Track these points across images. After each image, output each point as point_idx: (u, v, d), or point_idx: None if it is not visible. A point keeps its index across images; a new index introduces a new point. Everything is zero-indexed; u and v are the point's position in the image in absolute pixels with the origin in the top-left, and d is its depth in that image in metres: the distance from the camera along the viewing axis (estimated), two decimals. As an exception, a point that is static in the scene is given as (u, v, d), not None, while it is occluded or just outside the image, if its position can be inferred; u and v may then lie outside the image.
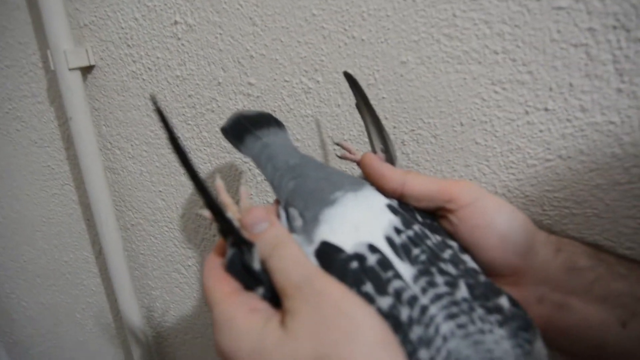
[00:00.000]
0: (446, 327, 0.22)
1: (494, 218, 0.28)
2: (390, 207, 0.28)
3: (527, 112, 0.34)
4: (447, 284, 0.24)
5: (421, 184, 0.30)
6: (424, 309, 0.22)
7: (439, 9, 0.34)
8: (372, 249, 0.25)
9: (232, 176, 0.48)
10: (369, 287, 0.23)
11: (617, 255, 0.31)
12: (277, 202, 0.31)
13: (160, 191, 0.52)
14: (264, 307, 0.24)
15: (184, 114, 0.46)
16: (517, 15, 0.32)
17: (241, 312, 0.24)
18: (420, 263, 0.25)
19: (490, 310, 0.23)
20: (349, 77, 0.33)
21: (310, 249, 0.26)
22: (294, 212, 0.29)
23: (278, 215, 0.30)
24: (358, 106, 0.35)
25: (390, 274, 0.24)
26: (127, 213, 0.55)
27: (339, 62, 0.39)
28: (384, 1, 0.35)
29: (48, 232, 0.60)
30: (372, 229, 0.26)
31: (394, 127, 0.39)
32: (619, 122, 0.32)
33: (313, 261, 0.25)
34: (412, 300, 0.23)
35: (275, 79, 0.42)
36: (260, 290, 0.25)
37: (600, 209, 0.34)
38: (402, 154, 0.39)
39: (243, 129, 0.36)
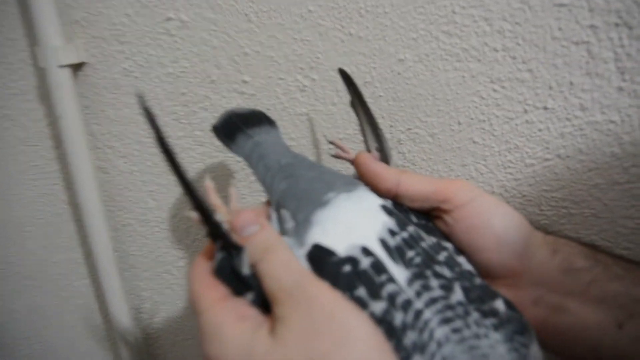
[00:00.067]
0: (441, 332, 0.21)
1: (490, 218, 0.27)
2: (384, 208, 0.27)
3: (526, 111, 0.33)
4: (442, 287, 0.23)
5: (416, 184, 0.28)
6: (418, 314, 0.21)
7: (438, 6, 0.32)
8: (366, 251, 0.24)
9: (225, 176, 0.46)
10: (362, 292, 0.22)
11: (614, 255, 0.31)
12: (269, 203, 0.30)
13: (151, 191, 0.50)
14: (254, 313, 0.23)
15: (176, 112, 0.45)
16: (518, 12, 0.31)
17: (229, 319, 0.22)
18: (415, 266, 0.23)
19: (485, 314, 0.22)
20: (344, 74, 0.32)
21: (302, 252, 0.24)
22: (285, 213, 0.27)
23: (269, 217, 0.28)
24: (352, 104, 0.33)
25: (383, 277, 0.22)
26: (118, 213, 0.53)
27: (335, 59, 0.37)
28: (382, -3, 0.34)
29: (36, 232, 0.57)
30: (365, 231, 0.25)
31: (391, 126, 0.37)
32: (619, 121, 0.30)
33: (304, 264, 0.24)
34: (406, 305, 0.22)
35: (270, 77, 0.40)
36: (250, 295, 0.23)
37: (598, 209, 0.33)
38: (399, 153, 0.38)
39: (234, 127, 0.34)
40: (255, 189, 0.45)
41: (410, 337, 0.20)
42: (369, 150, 0.33)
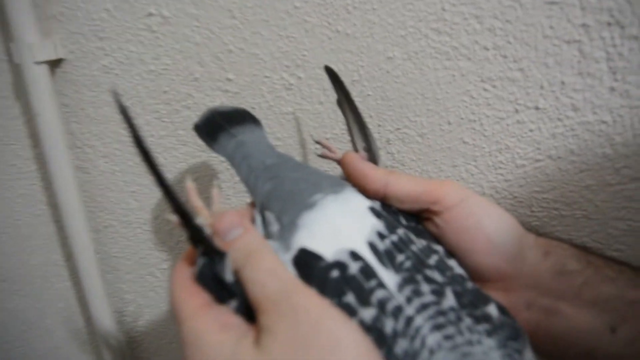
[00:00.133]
0: (433, 339, 0.20)
1: (481, 220, 0.27)
2: (373, 210, 0.26)
3: (517, 111, 0.32)
4: (434, 292, 0.22)
5: (405, 185, 0.27)
6: (409, 320, 0.21)
7: (427, 3, 0.32)
8: (354, 256, 0.23)
9: (209, 176, 0.45)
10: (350, 298, 0.21)
11: (605, 257, 0.30)
12: (253, 204, 0.29)
13: (133, 191, 0.49)
14: (237, 322, 0.22)
15: (158, 111, 0.43)
16: (509, 10, 0.30)
17: (212, 329, 0.21)
18: (405, 270, 0.23)
19: (478, 320, 0.21)
20: (330, 72, 0.31)
21: (288, 257, 0.23)
22: (270, 216, 0.26)
23: (253, 220, 0.27)
24: (339, 102, 0.32)
25: (373, 283, 0.22)
26: (99, 214, 0.51)
27: (322, 57, 0.36)
28: (370, -7, 0.33)
29: (15, 234, 0.56)
30: (354, 234, 0.24)
31: (379, 126, 0.37)
32: (611, 121, 0.30)
33: (290, 270, 0.23)
34: (397, 311, 0.21)
35: (254, 75, 0.39)
36: (233, 303, 0.22)
37: (589, 211, 0.33)
38: (387, 153, 0.37)
39: (217, 126, 0.33)
40: (240, 190, 0.44)
41: (401, 345, 0.20)
42: (356, 150, 0.32)
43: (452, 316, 0.21)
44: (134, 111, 0.44)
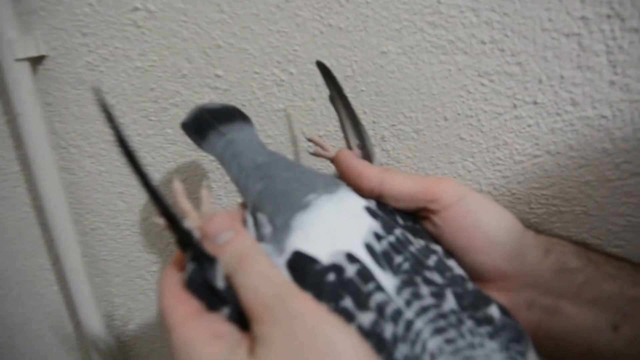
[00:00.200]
0: (433, 343, 0.20)
1: (480, 218, 0.26)
2: (368, 209, 0.25)
3: (515, 106, 0.32)
4: (433, 294, 0.21)
5: (401, 183, 0.27)
6: (409, 324, 0.20)
7: (422, -5, 0.31)
8: (351, 258, 0.22)
9: (199, 176, 0.44)
10: (348, 302, 0.21)
11: (606, 254, 0.30)
12: (244, 205, 0.28)
13: (121, 192, 0.48)
14: (230, 330, 0.21)
15: (145, 109, 0.42)
16: (506, 2, 0.29)
17: (203, 338, 0.20)
18: (404, 272, 0.22)
19: (479, 322, 0.21)
20: (322, 67, 0.31)
21: (281, 260, 0.23)
22: (262, 217, 0.26)
23: (244, 221, 0.26)
24: (332, 98, 0.32)
25: (371, 286, 0.21)
26: (86, 216, 0.50)
27: (314, 52, 0.35)
28: (363, -15, 0.32)
29: (-1, 237, 0.54)
30: (350, 235, 0.23)
31: (374, 122, 0.36)
32: (611, 116, 0.30)
33: (284, 273, 0.22)
34: (396, 315, 0.20)
35: (244, 71, 0.38)
36: (225, 310, 0.22)
37: (589, 207, 0.32)
38: (382, 150, 0.36)
39: (205, 124, 0.32)
40: (231, 190, 0.43)
41: (401, 350, 0.19)
42: (350, 148, 0.32)
43: (453, 319, 0.21)
44: (120, 109, 0.43)
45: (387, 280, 0.22)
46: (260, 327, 0.20)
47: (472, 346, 0.20)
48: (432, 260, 0.24)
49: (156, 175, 0.44)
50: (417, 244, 0.24)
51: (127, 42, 0.40)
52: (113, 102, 0.43)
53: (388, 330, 0.20)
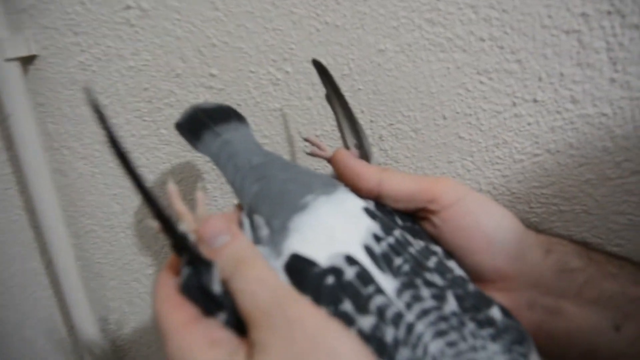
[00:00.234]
0: (435, 346, 0.19)
1: (480, 218, 0.26)
2: (367, 210, 0.25)
3: (514, 104, 0.31)
4: (434, 297, 0.21)
5: (399, 183, 0.27)
6: (410, 328, 0.20)
7: (420, -9, 0.30)
8: (350, 260, 0.22)
9: (194, 177, 0.43)
10: (347, 306, 0.20)
11: (607, 253, 0.30)
12: (240, 206, 0.27)
13: (115, 194, 0.47)
14: (227, 336, 0.21)
15: (139, 109, 0.42)
16: (505, -2, 0.29)
17: (200, 345, 0.20)
18: (404, 274, 0.22)
19: (481, 324, 0.21)
20: (318, 66, 0.30)
21: (279, 263, 0.22)
22: (259, 219, 0.25)
23: (241, 224, 0.26)
24: (328, 97, 0.31)
25: (371, 289, 0.21)
26: (79, 219, 0.50)
27: (311, 50, 0.35)
28: (360, -18, 0.32)
29: (-10, 241, 0.54)
30: (349, 237, 0.23)
31: (371, 121, 0.36)
32: (611, 113, 0.29)
33: (282, 277, 0.22)
34: (397, 318, 0.20)
35: (240, 70, 0.38)
36: (222, 316, 0.21)
37: (589, 205, 0.32)
38: (380, 150, 0.36)
39: (200, 124, 0.32)
40: (227, 191, 0.43)
41: (403, 354, 0.19)
42: (347, 148, 0.31)
43: (454, 321, 0.20)
44: (113, 110, 0.42)
45: (387, 282, 0.21)
46: (258, 333, 0.19)
47: (474, 349, 0.20)
48: (432, 262, 0.23)
49: (150, 177, 0.44)
50: (417, 245, 0.24)
51: (120, 41, 0.40)
52: (106, 103, 0.42)
53: (389, 334, 0.19)
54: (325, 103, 0.35)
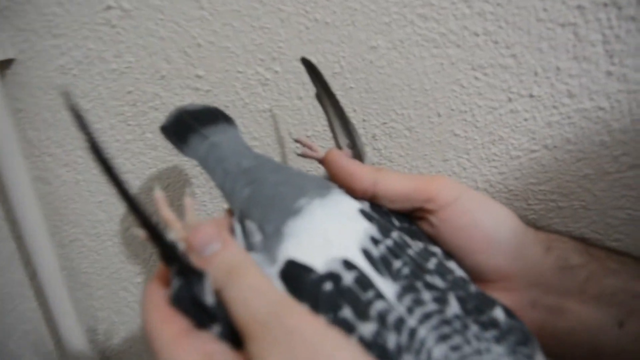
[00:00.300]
0: (439, 351, 0.19)
1: (479, 217, 0.26)
2: (363, 212, 0.25)
3: (510, 100, 0.31)
4: (436, 300, 0.21)
5: (395, 183, 0.26)
6: (412, 333, 0.19)
7: (411, -14, 0.30)
8: (348, 265, 0.21)
9: (182, 182, 0.42)
10: (347, 313, 0.20)
11: (606, 249, 0.30)
12: (230, 212, 0.27)
13: (100, 202, 0.46)
14: (222, 350, 0.20)
15: (123, 113, 0.41)
16: (499, -9, 0.28)
17: (193, 359, 0.19)
18: (404, 278, 0.21)
19: (485, 326, 0.21)
20: (307, 64, 0.30)
21: (274, 270, 0.22)
22: (251, 225, 0.24)
23: (232, 230, 0.25)
24: (318, 97, 0.31)
25: (370, 294, 0.20)
26: (64, 228, 0.48)
27: (300, 48, 0.34)
28: (350, -23, 0.31)
29: (-29, 253, 0.52)
30: (345, 241, 0.22)
31: (364, 120, 0.35)
32: (608, 107, 0.29)
33: (277, 284, 0.21)
34: (399, 324, 0.19)
35: (227, 70, 0.37)
36: (216, 328, 0.20)
37: (588, 201, 0.32)
38: (374, 149, 0.36)
39: (186, 126, 0.31)
40: (216, 195, 0.42)
41: None
42: (339, 148, 0.31)
43: (457, 324, 0.20)
44: (96, 114, 0.41)
45: (386, 286, 0.21)
46: (255, 345, 0.19)
47: (478, 352, 0.19)
48: (432, 263, 0.23)
49: (136, 183, 0.43)
50: (416, 246, 0.24)
51: (101, 42, 0.39)
52: (88, 107, 0.41)
53: (391, 340, 0.19)
54: (316, 103, 0.34)
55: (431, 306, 0.20)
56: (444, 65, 0.31)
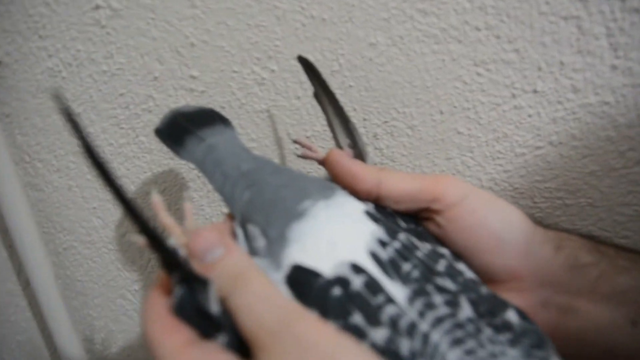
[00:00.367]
0: (453, 356, 0.19)
1: (487, 216, 0.26)
2: (369, 214, 0.25)
3: (514, 96, 0.31)
4: (447, 303, 0.21)
5: (399, 183, 0.26)
6: (425, 338, 0.19)
7: (410, -19, 0.30)
8: (356, 269, 0.21)
9: (178, 186, 0.42)
10: (358, 318, 0.20)
11: (616, 246, 0.30)
12: (231, 216, 0.27)
13: (94, 208, 0.46)
14: None
15: (115, 116, 0.40)
16: (501, -15, 0.28)
17: None
18: (414, 281, 0.21)
19: (498, 329, 0.20)
20: (304, 62, 0.29)
21: (279, 276, 0.22)
22: (253, 229, 0.24)
23: (234, 235, 0.25)
24: (317, 96, 0.31)
25: (381, 298, 0.20)
26: (57, 235, 0.48)
27: (297, 46, 0.34)
28: (347, -27, 0.31)
29: (-39, 263, 0.52)
30: (352, 243, 0.22)
31: (364, 119, 0.35)
32: (614, 102, 0.29)
33: (283, 291, 0.21)
34: (411, 329, 0.19)
35: (222, 70, 0.37)
36: (222, 338, 0.20)
37: (594, 198, 0.32)
38: (375, 149, 0.36)
39: (181, 129, 0.31)
40: (214, 199, 0.42)
41: None
42: (340, 148, 0.31)
43: (470, 328, 0.20)
44: (88, 118, 0.41)
45: (396, 290, 0.21)
46: (265, 355, 0.18)
47: (493, 356, 0.19)
48: (441, 265, 0.23)
49: (131, 188, 0.43)
50: (424, 248, 0.24)
51: (91, 44, 0.38)
52: (79, 111, 0.41)
53: (404, 346, 0.19)
54: (315, 102, 0.34)
55: (443, 310, 0.20)
56: (446, 61, 0.31)
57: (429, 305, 0.20)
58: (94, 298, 0.51)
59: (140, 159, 0.42)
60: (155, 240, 0.21)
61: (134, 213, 0.20)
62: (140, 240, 0.22)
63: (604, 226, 0.33)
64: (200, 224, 0.24)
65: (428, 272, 0.22)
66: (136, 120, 0.40)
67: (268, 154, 0.39)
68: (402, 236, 0.23)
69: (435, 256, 0.24)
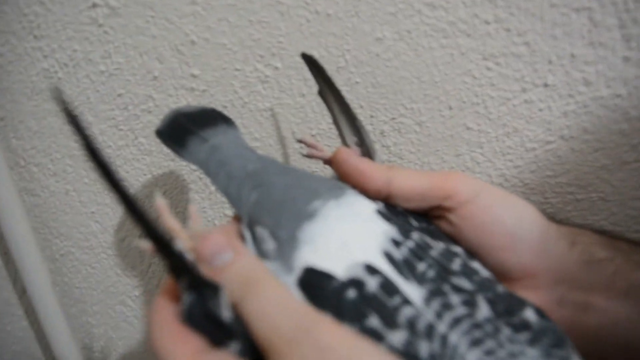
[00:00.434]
0: (472, 356, 0.19)
1: (501, 213, 0.26)
2: (380, 213, 0.25)
3: (524, 90, 0.31)
4: (465, 303, 0.21)
5: (409, 180, 0.26)
6: (444, 339, 0.19)
7: (418, -26, 0.30)
8: (371, 270, 0.21)
9: (180, 188, 0.42)
10: (374, 321, 0.20)
11: (630, 241, 0.30)
12: (237, 218, 0.26)
13: (92, 212, 0.45)
14: None
15: (114, 118, 0.40)
16: (510, -24, 0.29)
17: None
18: (430, 281, 0.21)
19: (517, 328, 0.20)
20: (308, 59, 0.29)
21: (291, 279, 0.21)
22: (262, 231, 0.24)
23: (241, 237, 0.25)
24: (321, 93, 0.31)
25: (397, 300, 0.20)
26: (54, 241, 0.48)
27: (301, 43, 0.34)
28: (353, -33, 0.31)
29: (-46, 272, 0.51)
30: (365, 244, 0.22)
31: (371, 116, 0.35)
32: (626, 94, 0.29)
33: (296, 294, 0.21)
34: (429, 330, 0.19)
35: (224, 68, 0.36)
36: (235, 345, 0.20)
37: (606, 192, 0.32)
38: (383, 146, 0.36)
39: (183, 129, 0.31)
40: (217, 201, 0.42)
41: None
42: (347, 146, 0.31)
43: (489, 328, 0.20)
44: (85, 120, 0.40)
45: (412, 291, 0.21)
46: None
47: (513, 355, 0.19)
48: (456, 264, 0.23)
49: (131, 191, 0.42)
50: (437, 247, 0.24)
51: (88, 43, 0.38)
52: (76, 113, 0.40)
53: (423, 348, 0.19)
54: (320, 100, 0.34)
55: (460, 310, 0.20)
56: (454, 55, 0.31)
57: (446, 306, 0.20)
58: (92, 305, 0.51)
59: (140, 161, 0.41)
60: (162, 244, 0.20)
61: (140, 216, 0.20)
62: (145, 245, 0.22)
63: (616, 221, 0.33)
64: (206, 228, 0.24)
65: (443, 271, 0.22)
66: (135, 121, 0.40)
67: (272, 153, 0.39)
68: (416, 235, 0.23)
69: (450, 255, 0.24)
